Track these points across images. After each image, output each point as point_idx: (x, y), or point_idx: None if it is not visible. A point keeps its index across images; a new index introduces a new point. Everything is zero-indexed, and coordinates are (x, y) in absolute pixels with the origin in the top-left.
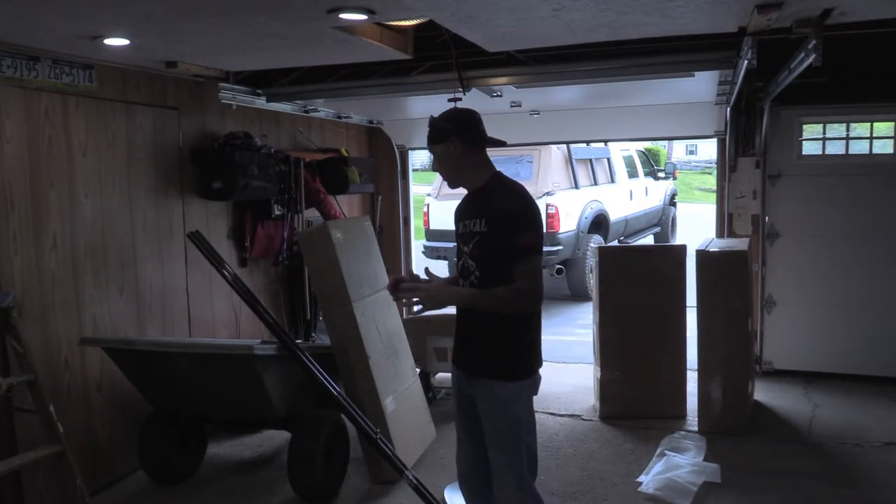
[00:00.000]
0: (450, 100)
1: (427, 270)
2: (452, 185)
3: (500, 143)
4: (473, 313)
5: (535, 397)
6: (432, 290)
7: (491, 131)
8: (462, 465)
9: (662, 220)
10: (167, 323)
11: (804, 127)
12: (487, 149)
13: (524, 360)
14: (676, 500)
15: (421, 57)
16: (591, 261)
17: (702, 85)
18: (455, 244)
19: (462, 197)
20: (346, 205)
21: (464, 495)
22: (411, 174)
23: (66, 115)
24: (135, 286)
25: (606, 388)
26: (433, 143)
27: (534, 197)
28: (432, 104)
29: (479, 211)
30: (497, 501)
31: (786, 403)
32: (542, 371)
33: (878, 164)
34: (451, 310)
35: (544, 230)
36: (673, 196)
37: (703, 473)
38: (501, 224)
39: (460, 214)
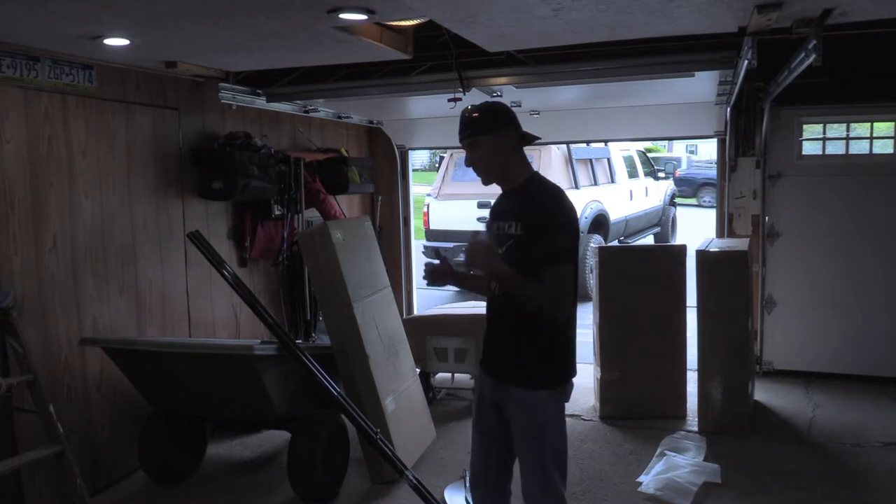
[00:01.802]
0: (450, 100)
1: (438, 252)
2: (489, 182)
3: (536, 138)
4: (505, 320)
5: None
6: (479, 250)
7: None
8: (475, 468)
9: (662, 220)
10: (167, 323)
11: (804, 127)
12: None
13: (552, 370)
14: (676, 500)
15: (421, 57)
16: (591, 261)
17: (702, 85)
18: (454, 244)
19: (498, 195)
20: (346, 205)
21: (474, 497)
22: (411, 174)
23: (66, 115)
24: (135, 286)
25: (606, 388)
26: (481, 134)
27: None
28: (432, 104)
29: (515, 213)
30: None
31: (786, 403)
32: None
33: (878, 164)
34: (452, 310)
35: (580, 235)
36: (673, 196)
37: (704, 473)
38: (536, 228)
39: (495, 214)
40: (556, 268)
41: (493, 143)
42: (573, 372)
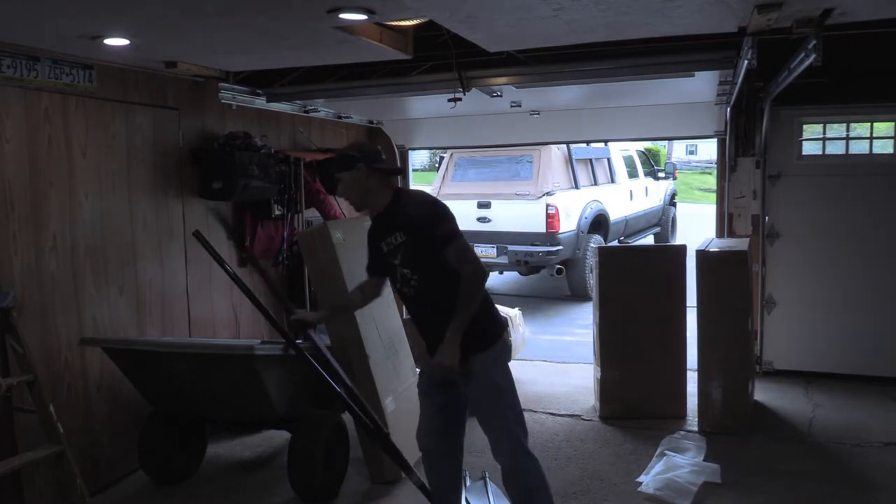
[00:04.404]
0: (450, 100)
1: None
2: (359, 209)
3: (398, 171)
4: (435, 314)
5: (534, 397)
6: (444, 362)
7: (491, 131)
8: (425, 442)
9: (662, 220)
10: (167, 323)
11: (804, 127)
12: (390, 175)
13: (489, 327)
14: (676, 500)
15: (421, 57)
16: (591, 261)
17: (702, 85)
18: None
19: (369, 226)
20: (346, 205)
21: (427, 467)
22: (411, 174)
23: (66, 115)
24: (135, 286)
25: (606, 388)
26: (341, 171)
27: (532, 197)
28: (432, 104)
29: (393, 226)
30: (499, 463)
31: (786, 403)
32: (541, 370)
33: (878, 164)
34: None
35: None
36: (673, 196)
37: (703, 473)
38: (417, 227)
39: (376, 237)
40: (453, 246)
41: (354, 177)
42: (504, 326)
